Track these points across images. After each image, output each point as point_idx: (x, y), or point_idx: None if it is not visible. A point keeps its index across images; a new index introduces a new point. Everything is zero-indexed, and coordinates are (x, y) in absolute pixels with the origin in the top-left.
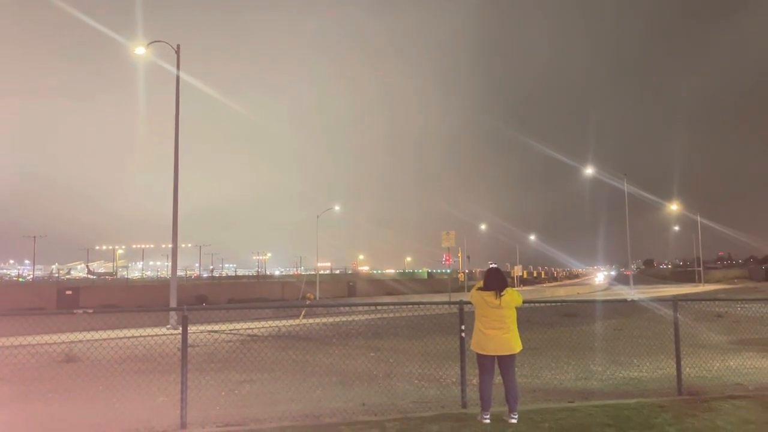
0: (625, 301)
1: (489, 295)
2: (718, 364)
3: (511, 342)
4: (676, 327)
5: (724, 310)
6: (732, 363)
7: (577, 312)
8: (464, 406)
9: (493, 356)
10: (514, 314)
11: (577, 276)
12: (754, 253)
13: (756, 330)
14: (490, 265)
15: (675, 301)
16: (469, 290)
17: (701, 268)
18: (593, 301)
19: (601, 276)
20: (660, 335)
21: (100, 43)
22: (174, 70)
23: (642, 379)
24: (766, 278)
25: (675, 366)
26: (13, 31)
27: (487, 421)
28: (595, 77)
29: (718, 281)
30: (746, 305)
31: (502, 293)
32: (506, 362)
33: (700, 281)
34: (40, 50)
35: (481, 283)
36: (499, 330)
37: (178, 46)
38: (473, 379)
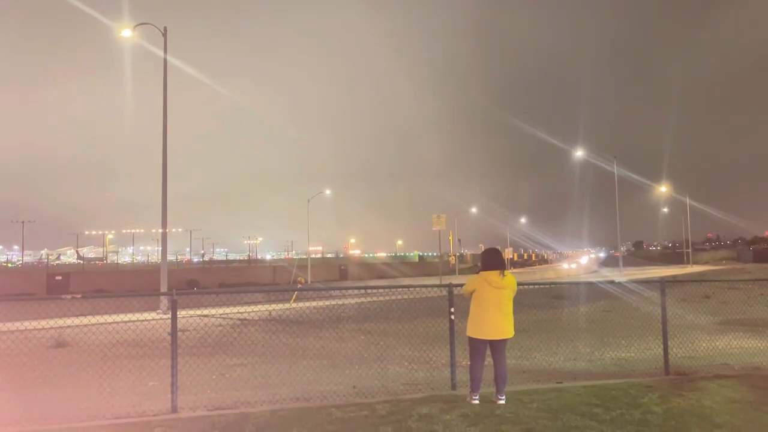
0: (613, 282)
1: (493, 275)
2: (705, 345)
3: (508, 326)
4: (663, 308)
5: (711, 291)
6: (719, 343)
7: (566, 294)
8: (454, 387)
9: (487, 340)
10: (512, 296)
11: (567, 258)
12: (742, 235)
13: (742, 311)
14: (484, 247)
15: (662, 283)
16: (460, 273)
17: (690, 250)
18: (583, 283)
19: (584, 259)
20: (648, 316)
21: (87, 25)
22: (161, 53)
23: (630, 359)
24: (754, 259)
25: (662, 347)
26: None
27: (477, 402)
28: (585, 59)
29: (706, 262)
30: (734, 286)
31: (504, 273)
32: (499, 346)
33: (688, 262)
34: (21, 30)
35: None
36: (498, 312)
37: (165, 29)
38: (463, 361)
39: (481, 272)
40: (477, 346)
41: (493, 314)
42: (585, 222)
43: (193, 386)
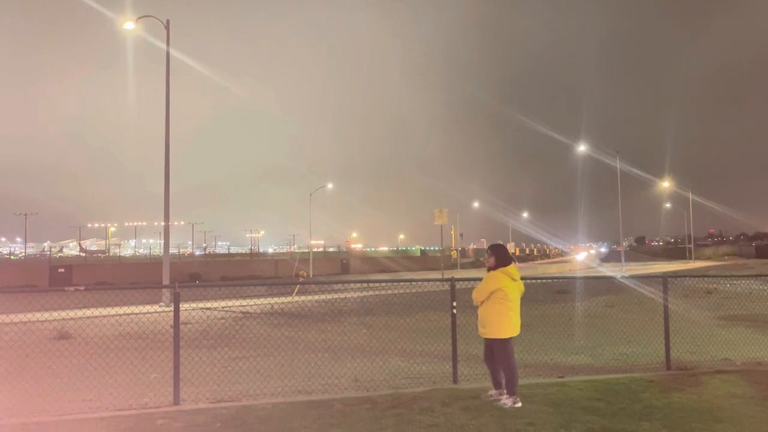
0: (615, 278)
1: (512, 269)
2: (706, 340)
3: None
4: (665, 303)
5: (713, 287)
6: (720, 338)
7: (568, 289)
8: (455, 381)
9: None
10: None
11: (569, 253)
12: (744, 230)
13: (745, 306)
14: (486, 242)
15: (665, 278)
16: (462, 267)
17: (692, 245)
18: (585, 278)
19: (581, 255)
20: (650, 312)
21: (90, 17)
22: (164, 45)
23: (632, 354)
24: (756, 255)
25: (664, 342)
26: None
27: (521, 405)
28: (588, 55)
29: (709, 258)
30: (735, 281)
31: (516, 267)
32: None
33: (690, 258)
34: (23, 25)
35: (492, 263)
36: (519, 307)
37: (168, 21)
38: (465, 356)
39: (499, 268)
40: (511, 345)
41: (518, 309)
42: (587, 217)
43: (195, 379)
